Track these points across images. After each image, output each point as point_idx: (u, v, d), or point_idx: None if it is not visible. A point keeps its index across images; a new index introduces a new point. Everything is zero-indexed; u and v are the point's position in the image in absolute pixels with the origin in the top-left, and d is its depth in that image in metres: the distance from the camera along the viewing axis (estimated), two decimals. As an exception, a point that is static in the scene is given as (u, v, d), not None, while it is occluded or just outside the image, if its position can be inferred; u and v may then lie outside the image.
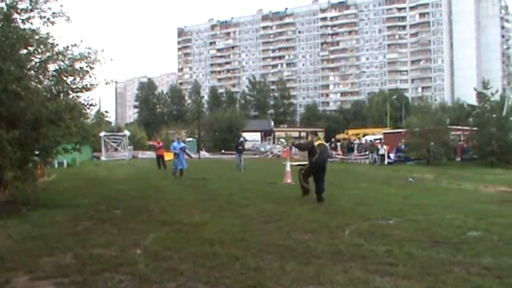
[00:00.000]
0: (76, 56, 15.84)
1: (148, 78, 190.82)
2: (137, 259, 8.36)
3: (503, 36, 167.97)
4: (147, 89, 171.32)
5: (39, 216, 13.40)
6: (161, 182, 24.71)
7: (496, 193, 22.53)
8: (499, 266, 7.99)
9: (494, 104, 49.65)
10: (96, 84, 16.34)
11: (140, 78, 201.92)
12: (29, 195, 15.49)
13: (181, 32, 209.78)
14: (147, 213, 13.81)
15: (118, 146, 60.09)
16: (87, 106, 16.75)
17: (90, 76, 16.05)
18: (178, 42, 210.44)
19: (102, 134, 52.01)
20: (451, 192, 22.73)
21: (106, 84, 17.01)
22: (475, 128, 48.96)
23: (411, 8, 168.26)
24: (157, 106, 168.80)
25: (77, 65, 15.85)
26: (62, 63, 15.72)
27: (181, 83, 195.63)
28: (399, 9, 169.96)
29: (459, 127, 56.65)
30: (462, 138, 52.69)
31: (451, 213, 14.02)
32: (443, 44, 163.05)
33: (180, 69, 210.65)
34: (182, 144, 29.59)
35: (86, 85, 16.14)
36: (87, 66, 15.89)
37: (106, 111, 20.30)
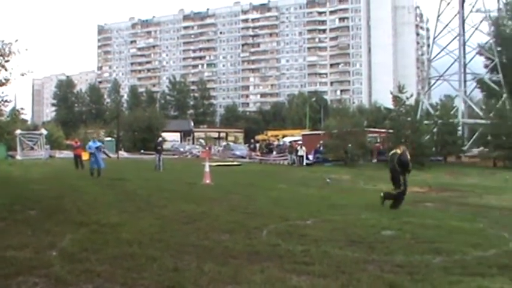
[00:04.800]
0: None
1: (67, 76, 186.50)
2: (53, 261, 8.17)
3: (418, 43, 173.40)
4: (65, 87, 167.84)
5: None
6: (78, 182, 24.19)
7: (409, 193, 23.02)
8: (411, 263, 8.27)
9: (409, 108, 50.96)
10: (13, 79, 15.88)
11: (58, 76, 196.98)
12: None
13: (101, 30, 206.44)
14: (63, 214, 13.50)
15: (34, 145, 58.43)
16: (2, 102, 16.27)
17: (5, 70, 15.57)
18: (98, 40, 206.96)
19: (17, 132, 50.62)
20: (367, 192, 23.19)
21: (22, 75, 16.46)
22: (390, 131, 50.06)
23: (331, 12, 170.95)
24: (76, 105, 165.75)
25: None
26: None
27: (100, 82, 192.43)
28: (320, 13, 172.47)
29: (376, 129, 57.80)
30: (378, 140, 53.75)
31: (366, 213, 14.38)
32: (362, 48, 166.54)
33: (100, 68, 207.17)
34: (98, 144, 29.35)
35: (0, 80, 15.64)
36: (0, 60, 15.40)
37: (22, 109, 19.90)
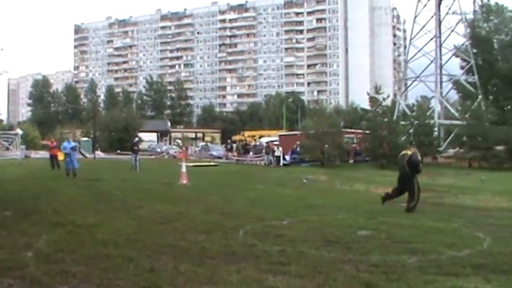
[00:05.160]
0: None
1: (43, 76, 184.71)
2: (28, 262, 8.10)
3: (394, 44, 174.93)
4: (41, 86, 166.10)
5: None
6: (54, 182, 23.94)
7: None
8: (386, 262, 8.33)
9: (386, 109, 51.25)
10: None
11: (34, 76, 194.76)
12: None
13: (78, 29, 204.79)
14: (39, 215, 13.37)
15: (10, 145, 58.09)
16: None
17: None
18: (75, 40, 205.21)
19: (-7, 132, 50.28)
20: (344, 193, 23.35)
21: (-3, 75, 16.26)
22: (367, 131, 50.31)
23: (308, 13, 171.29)
24: (52, 105, 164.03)
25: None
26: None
27: (77, 82, 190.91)
28: (297, 13, 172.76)
29: (353, 130, 57.99)
30: (355, 141, 53.93)
31: (343, 214, 14.44)
32: (339, 49, 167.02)
33: (76, 67, 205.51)
34: (72, 144, 29.24)
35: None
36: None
37: (-4, 108, 19.65)
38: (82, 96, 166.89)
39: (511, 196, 22.17)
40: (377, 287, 7.01)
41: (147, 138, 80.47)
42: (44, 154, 50.15)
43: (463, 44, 67.68)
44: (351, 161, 50.38)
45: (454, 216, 14.59)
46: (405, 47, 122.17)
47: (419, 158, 16.57)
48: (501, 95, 61.62)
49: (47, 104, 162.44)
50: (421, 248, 9.59)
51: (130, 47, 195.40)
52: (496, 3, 66.56)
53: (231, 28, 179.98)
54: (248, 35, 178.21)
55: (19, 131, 62.50)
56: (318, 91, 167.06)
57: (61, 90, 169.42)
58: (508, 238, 11.05)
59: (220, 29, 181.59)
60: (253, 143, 63.79)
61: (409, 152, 16.55)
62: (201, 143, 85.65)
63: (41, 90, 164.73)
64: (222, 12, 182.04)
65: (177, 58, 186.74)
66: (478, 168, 46.57)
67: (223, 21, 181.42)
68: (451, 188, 26.18)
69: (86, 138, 74.03)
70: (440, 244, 9.97)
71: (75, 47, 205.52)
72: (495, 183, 30.66)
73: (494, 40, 64.72)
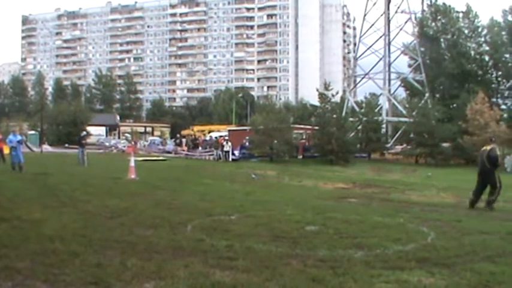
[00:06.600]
0: None
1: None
2: (-30, 257, 7.95)
3: (344, 41, 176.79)
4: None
5: None
6: (-1, 176, 23.57)
7: (334, 189, 23.55)
8: (333, 257, 8.40)
9: (335, 105, 51.79)
10: None
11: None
12: None
13: (25, 20, 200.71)
14: (-18, 209, 13.14)
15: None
16: None
17: None
18: (22, 31, 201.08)
19: None
20: (292, 188, 23.49)
21: None
22: (316, 127, 50.73)
23: (259, 8, 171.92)
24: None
25: None
26: None
27: (24, 74, 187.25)
28: (248, 9, 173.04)
29: (302, 126, 58.41)
30: (304, 137, 54.38)
31: (291, 209, 14.50)
32: (289, 45, 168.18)
33: (24, 59, 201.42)
34: (19, 137, 28.67)
35: None
36: None
37: None
38: (29, 88, 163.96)
39: (455, 192, 22.66)
40: (324, 282, 7.05)
41: (96, 132, 79.45)
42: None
43: (411, 43, 68.99)
44: (300, 157, 50.71)
45: (400, 212, 14.79)
46: (355, 44, 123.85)
47: (498, 153, 16.57)
48: (447, 93, 62.93)
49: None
50: (368, 242, 9.71)
51: (80, 39, 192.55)
52: (444, 3, 67.89)
53: (182, 22, 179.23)
54: (199, 29, 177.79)
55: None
56: (268, 87, 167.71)
57: (7, 82, 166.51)
58: (452, 233, 11.28)
59: (170, 23, 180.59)
60: (202, 138, 63.67)
61: (488, 148, 16.53)
62: (151, 137, 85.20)
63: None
64: (172, 6, 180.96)
65: (127, 51, 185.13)
66: (424, 164, 47.53)
67: (174, 15, 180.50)
68: (398, 184, 26.64)
69: (33, 132, 72.84)
70: (386, 239, 10.11)
71: (23, 38, 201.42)
72: (441, 179, 31.34)
73: (442, 39, 65.96)
